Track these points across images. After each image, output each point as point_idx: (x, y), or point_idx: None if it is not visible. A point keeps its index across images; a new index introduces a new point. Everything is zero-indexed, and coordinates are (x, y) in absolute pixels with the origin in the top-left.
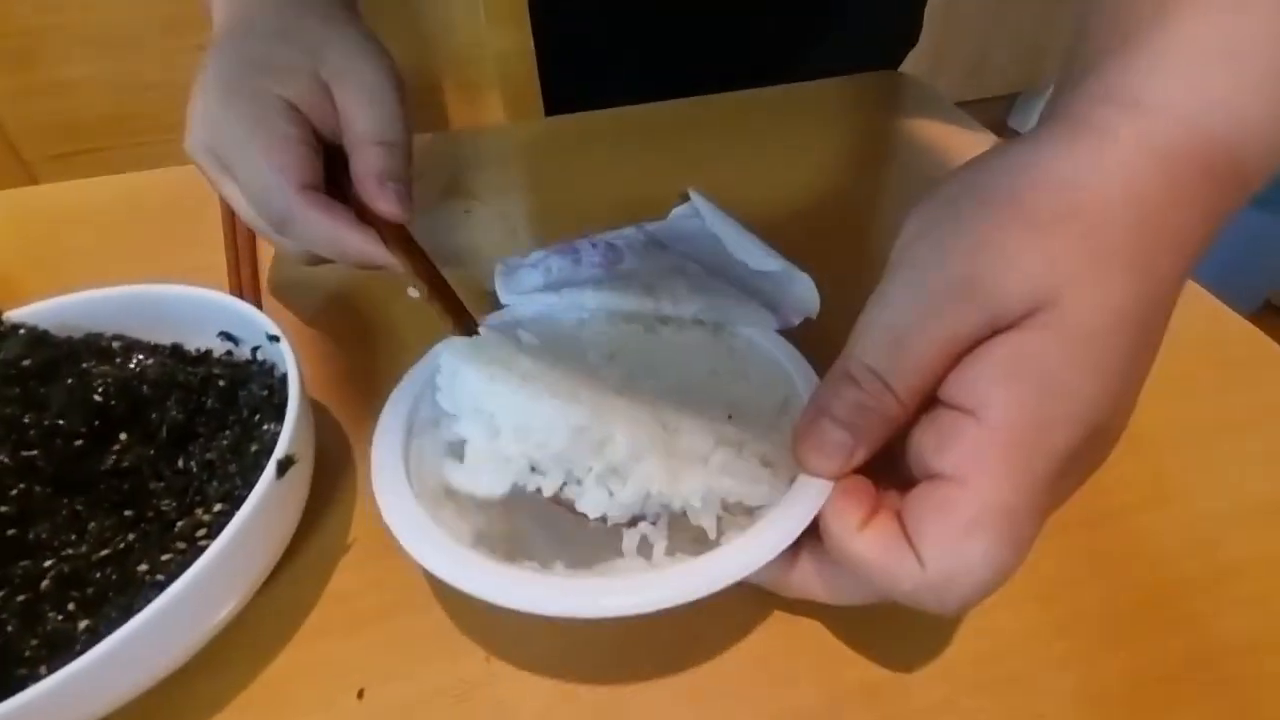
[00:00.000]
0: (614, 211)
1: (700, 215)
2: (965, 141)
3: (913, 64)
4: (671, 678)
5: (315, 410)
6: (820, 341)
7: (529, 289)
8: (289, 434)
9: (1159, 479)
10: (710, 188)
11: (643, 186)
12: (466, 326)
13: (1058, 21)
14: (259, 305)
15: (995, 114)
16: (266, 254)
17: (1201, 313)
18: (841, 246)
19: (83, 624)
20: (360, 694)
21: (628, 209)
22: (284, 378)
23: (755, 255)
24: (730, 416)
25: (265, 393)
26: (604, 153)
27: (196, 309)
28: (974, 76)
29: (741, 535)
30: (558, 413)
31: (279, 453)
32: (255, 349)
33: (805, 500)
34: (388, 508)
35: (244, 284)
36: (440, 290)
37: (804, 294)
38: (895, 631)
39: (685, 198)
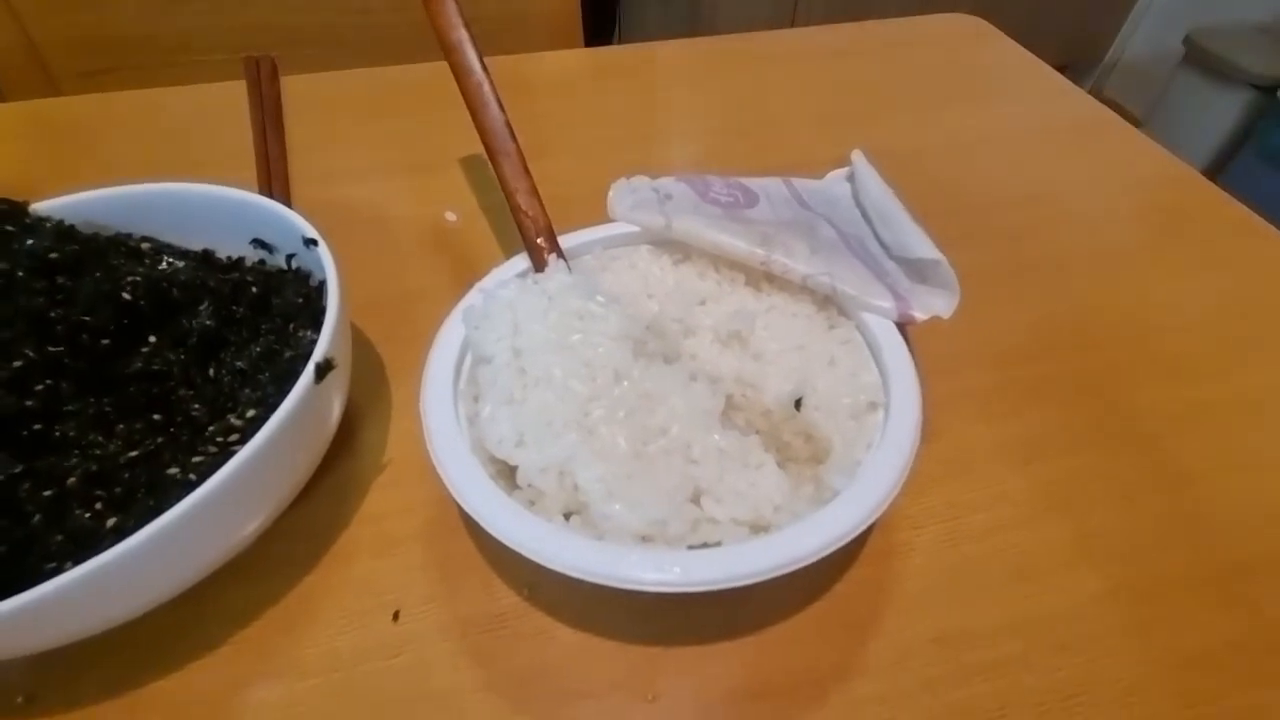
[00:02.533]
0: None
1: (854, 180)
2: (1039, 84)
3: None
4: (722, 619)
5: (351, 330)
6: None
7: (641, 210)
8: (329, 336)
9: (1234, 447)
10: (778, 122)
11: (700, 122)
12: (541, 255)
13: None
14: None
15: None
16: (297, 173)
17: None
18: (931, 204)
19: (110, 521)
20: (395, 616)
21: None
22: (320, 285)
23: (903, 235)
24: (799, 403)
25: (301, 300)
26: (656, 85)
27: (229, 211)
28: (1026, 45)
29: (800, 521)
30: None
31: (318, 355)
32: (290, 256)
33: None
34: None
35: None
36: (521, 202)
37: (943, 290)
38: (967, 588)
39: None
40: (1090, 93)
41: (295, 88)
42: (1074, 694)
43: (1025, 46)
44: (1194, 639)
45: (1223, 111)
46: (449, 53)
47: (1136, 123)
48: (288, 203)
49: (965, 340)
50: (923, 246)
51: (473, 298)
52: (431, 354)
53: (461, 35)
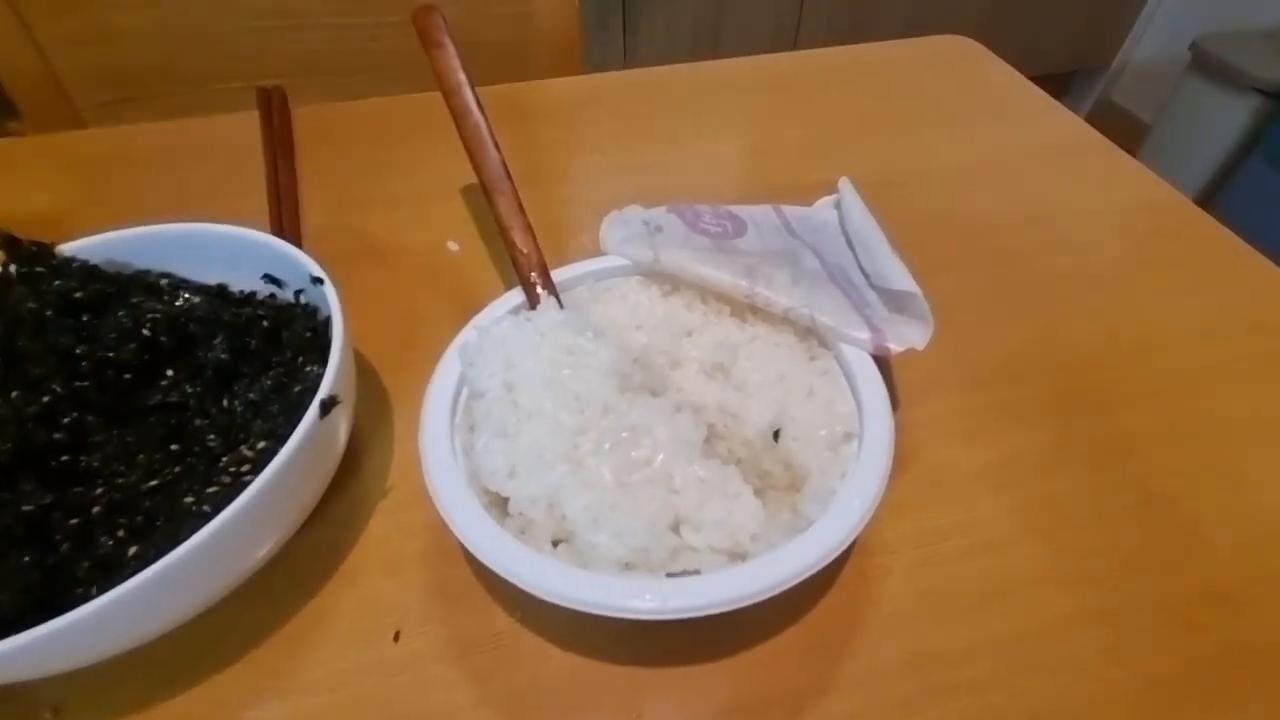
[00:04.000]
0: (659, 171)
1: (840, 207)
2: (1028, 106)
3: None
4: (704, 641)
5: (355, 358)
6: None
7: (631, 243)
8: (333, 374)
9: (1216, 467)
10: (777, 150)
11: (698, 145)
12: (534, 292)
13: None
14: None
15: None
16: (308, 201)
17: (1265, 291)
18: (919, 228)
19: (132, 550)
20: (396, 636)
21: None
22: (327, 320)
23: (883, 267)
24: (777, 433)
25: (309, 334)
26: (656, 110)
27: (242, 249)
28: (1028, 55)
29: (775, 550)
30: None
31: (323, 392)
32: (299, 292)
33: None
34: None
35: (285, 230)
36: (516, 239)
37: (917, 323)
38: (940, 610)
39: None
40: (1098, 99)
41: (305, 118)
42: (1042, 713)
43: (1033, 53)
44: (1161, 662)
45: (1231, 117)
46: (448, 96)
47: (1144, 130)
48: (297, 232)
49: (946, 364)
50: (900, 278)
51: (468, 334)
52: (429, 389)
53: (460, 79)
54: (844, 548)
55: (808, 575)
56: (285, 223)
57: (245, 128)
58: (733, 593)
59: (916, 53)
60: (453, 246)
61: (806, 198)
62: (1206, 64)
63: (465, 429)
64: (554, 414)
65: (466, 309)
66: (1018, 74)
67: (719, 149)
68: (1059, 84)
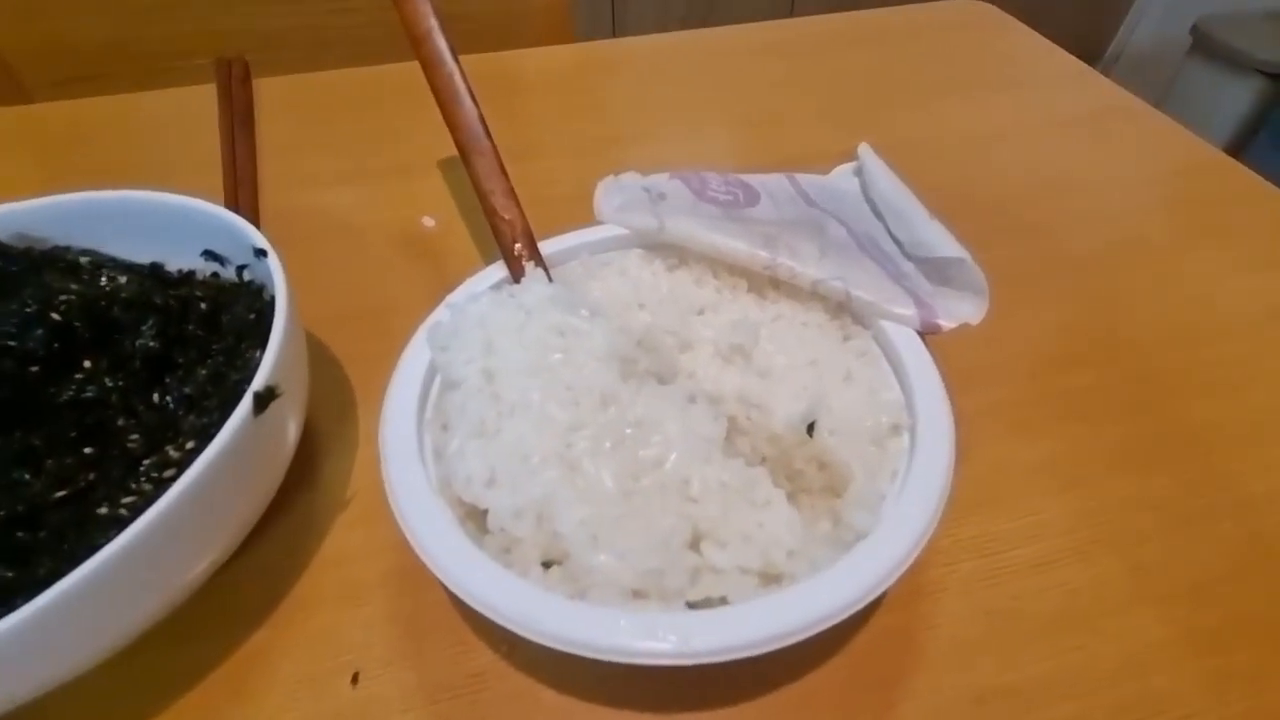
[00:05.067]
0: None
1: (862, 174)
2: (1055, 71)
3: None
4: (726, 679)
5: (315, 347)
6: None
7: (631, 210)
8: (273, 360)
9: None
10: (780, 115)
11: (700, 115)
12: (518, 263)
13: None
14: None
15: None
16: (268, 178)
17: None
18: (945, 203)
19: (41, 570)
20: (355, 679)
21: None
22: (274, 300)
23: (920, 232)
24: (811, 426)
25: (252, 316)
26: (651, 79)
27: (177, 220)
28: None
29: (818, 573)
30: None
31: (258, 383)
32: (242, 268)
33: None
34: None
35: (241, 208)
36: (497, 204)
37: (969, 293)
38: (1009, 637)
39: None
40: None
41: (269, 90)
42: None
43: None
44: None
45: (1233, 100)
46: (417, 45)
47: None
48: (255, 211)
49: (991, 347)
50: (944, 244)
51: (440, 313)
52: (393, 380)
53: (431, 25)
54: (906, 567)
55: (863, 605)
56: (242, 200)
57: (203, 101)
58: (771, 629)
59: (931, 18)
60: (428, 222)
61: (821, 166)
62: (1208, 47)
63: (438, 426)
64: (542, 407)
65: (442, 292)
66: (1043, 39)
67: (722, 119)
68: None
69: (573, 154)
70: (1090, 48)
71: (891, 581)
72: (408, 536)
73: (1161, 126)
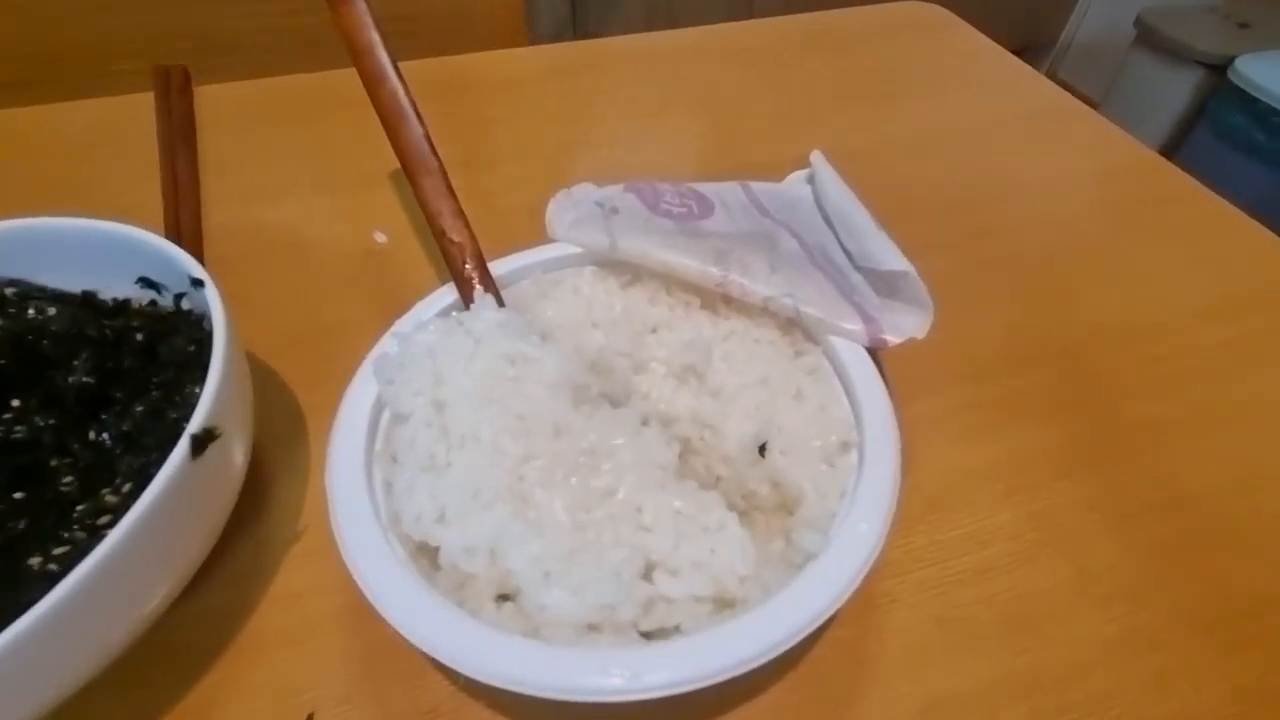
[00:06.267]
0: (628, 151)
1: (813, 182)
2: (1001, 73)
3: None
4: (685, 701)
5: (262, 373)
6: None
7: (583, 227)
8: (210, 400)
9: (1244, 458)
10: (737, 120)
11: (655, 121)
12: (469, 286)
13: None
14: (199, 250)
15: None
16: (211, 193)
17: (1266, 260)
18: (896, 204)
19: None
20: (309, 719)
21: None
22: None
23: (869, 245)
24: (763, 447)
25: (192, 348)
26: (609, 83)
27: (108, 248)
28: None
29: (769, 599)
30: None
31: (194, 425)
32: (179, 296)
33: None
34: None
35: (182, 227)
36: (445, 226)
37: (916, 308)
38: (958, 644)
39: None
40: (1046, 76)
41: (210, 98)
42: None
43: (980, 31)
44: (1219, 689)
45: (1175, 91)
46: (358, 58)
47: (1093, 105)
48: (197, 229)
49: (938, 353)
50: (890, 256)
51: (386, 343)
52: (339, 415)
53: (372, 38)
54: (854, 589)
55: (814, 629)
56: (183, 218)
57: (140, 111)
58: (723, 660)
59: (884, 20)
60: (380, 238)
61: (775, 173)
62: (1150, 38)
63: (388, 459)
64: (493, 440)
65: (397, 310)
66: (989, 40)
67: (677, 124)
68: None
69: (526, 162)
70: (1039, 40)
71: (839, 605)
72: (356, 580)
73: (1100, 128)
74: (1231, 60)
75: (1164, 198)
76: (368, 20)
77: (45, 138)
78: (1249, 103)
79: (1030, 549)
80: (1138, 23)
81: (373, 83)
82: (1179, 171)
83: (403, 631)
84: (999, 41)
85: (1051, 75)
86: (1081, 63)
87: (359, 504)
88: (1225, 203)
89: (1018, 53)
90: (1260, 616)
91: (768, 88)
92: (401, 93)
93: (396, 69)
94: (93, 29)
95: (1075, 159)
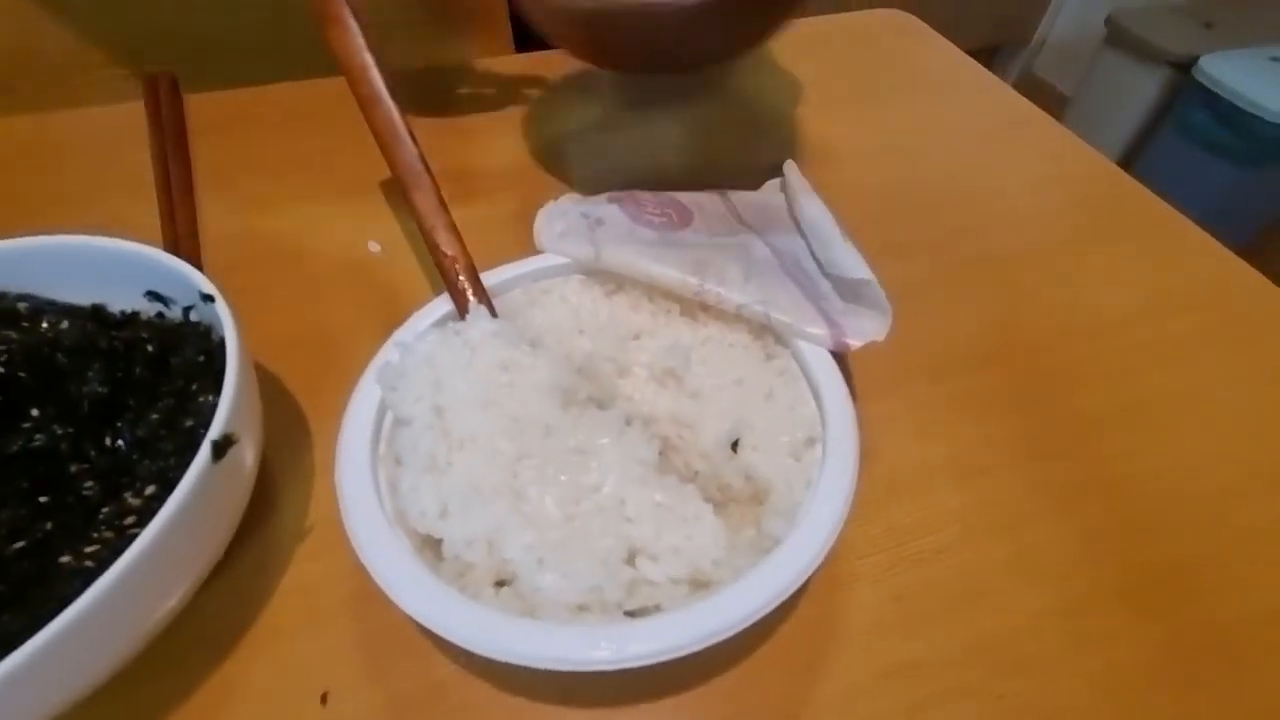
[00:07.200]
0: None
1: (787, 191)
2: (964, 80)
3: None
4: (670, 674)
5: (265, 379)
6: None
7: (571, 238)
8: (227, 409)
9: (1166, 446)
10: (715, 130)
11: (635, 130)
12: (463, 298)
13: None
14: (197, 257)
15: None
16: (206, 202)
17: (1207, 264)
18: (863, 210)
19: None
20: (324, 699)
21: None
22: (222, 342)
23: (835, 254)
24: (735, 444)
25: (202, 358)
26: (594, 92)
27: (118, 265)
28: (953, 30)
29: (738, 580)
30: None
31: (214, 432)
32: (188, 309)
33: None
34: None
35: (180, 236)
36: (440, 240)
37: (874, 313)
38: (912, 618)
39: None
40: (1020, 73)
41: (200, 107)
42: (1020, 718)
43: (956, 29)
44: (1127, 650)
45: (1144, 90)
46: (354, 83)
47: (1064, 102)
48: (194, 238)
49: (903, 354)
50: (855, 266)
51: (388, 353)
52: (345, 420)
53: (365, 60)
54: (814, 569)
55: (777, 604)
56: (180, 228)
57: (130, 120)
58: (696, 632)
59: (852, 26)
60: (374, 247)
61: (749, 179)
62: (1120, 38)
63: (391, 461)
64: (490, 440)
65: (393, 317)
66: (953, 47)
67: (656, 133)
68: (984, 59)
69: (513, 171)
70: (1014, 38)
71: (802, 581)
72: (369, 571)
73: (1060, 137)
74: (1196, 59)
75: (1116, 204)
76: (360, 43)
77: (31, 150)
78: (1213, 100)
79: (975, 532)
80: (1108, 22)
81: (367, 105)
82: (1131, 180)
83: (414, 615)
84: (975, 41)
85: (1027, 72)
86: (1056, 60)
87: (368, 502)
88: (1172, 208)
89: (994, 50)
90: (1171, 585)
91: (741, 97)
92: (395, 113)
93: (389, 89)
94: (67, 36)
95: (1034, 166)
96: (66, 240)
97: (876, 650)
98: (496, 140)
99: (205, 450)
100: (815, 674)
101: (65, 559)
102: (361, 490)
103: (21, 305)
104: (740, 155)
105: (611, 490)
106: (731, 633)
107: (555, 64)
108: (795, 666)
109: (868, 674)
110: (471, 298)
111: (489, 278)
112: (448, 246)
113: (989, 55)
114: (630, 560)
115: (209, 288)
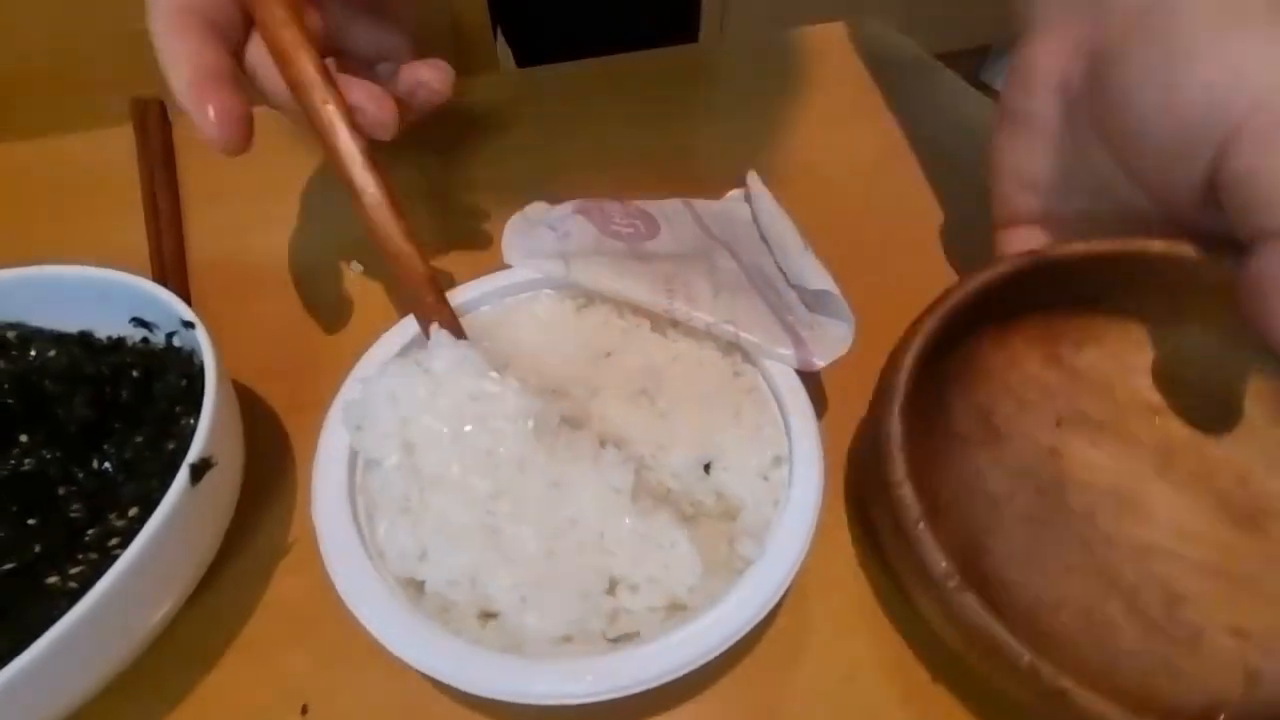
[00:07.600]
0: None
1: (750, 201)
2: (938, 89)
3: (883, 17)
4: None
5: (247, 399)
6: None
7: (539, 253)
8: (205, 434)
9: None
10: (687, 143)
11: (607, 142)
12: (427, 311)
13: None
14: (184, 284)
15: (965, 68)
16: (194, 226)
17: None
18: (836, 223)
19: None
20: (304, 710)
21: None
22: (204, 366)
23: (797, 265)
24: (708, 466)
25: (184, 383)
26: (566, 108)
27: (103, 292)
28: (945, 29)
29: (714, 605)
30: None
31: (193, 455)
32: (171, 335)
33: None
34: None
35: (167, 262)
36: (406, 259)
37: (839, 323)
38: (880, 618)
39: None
40: (1004, 73)
41: (189, 131)
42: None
43: (948, 29)
44: None
45: None
46: (283, 65)
47: None
48: (182, 263)
49: (861, 370)
50: (816, 276)
51: (351, 389)
52: (317, 460)
53: (295, 36)
54: (784, 590)
55: (751, 626)
56: (166, 253)
57: (117, 145)
58: (677, 660)
59: (828, 38)
60: (356, 267)
61: (718, 193)
62: None
63: (370, 493)
64: (463, 479)
65: (372, 336)
66: (927, 55)
67: (626, 145)
68: (974, 58)
69: (484, 187)
70: (1008, 35)
71: (774, 603)
72: (352, 612)
73: None
74: None
75: None
76: (285, 15)
77: (15, 176)
78: None
79: None
80: None
81: (299, 90)
82: None
83: (402, 657)
84: (966, 39)
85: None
86: None
87: (349, 545)
88: None
89: (985, 49)
90: None
91: (714, 109)
92: (333, 102)
93: (329, 76)
94: (52, 62)
95: None
96: (55, 271)
97: (842, 653)
98: (466, 156)
99: (184, 474)
100: (786, 672)
101: (52, 579)
102: (340, 533)
103: (11, 334)
104: (703, 165)
105: (589, 523)
106: (708, 659)
107: (530, 80)
108: (767, 666)
109: (834, 675)
110: (432, 325)
111: (456, 296)
112: (407, 262)
113: (983, 53)
114: (611, 589)
115: (190, 315)
